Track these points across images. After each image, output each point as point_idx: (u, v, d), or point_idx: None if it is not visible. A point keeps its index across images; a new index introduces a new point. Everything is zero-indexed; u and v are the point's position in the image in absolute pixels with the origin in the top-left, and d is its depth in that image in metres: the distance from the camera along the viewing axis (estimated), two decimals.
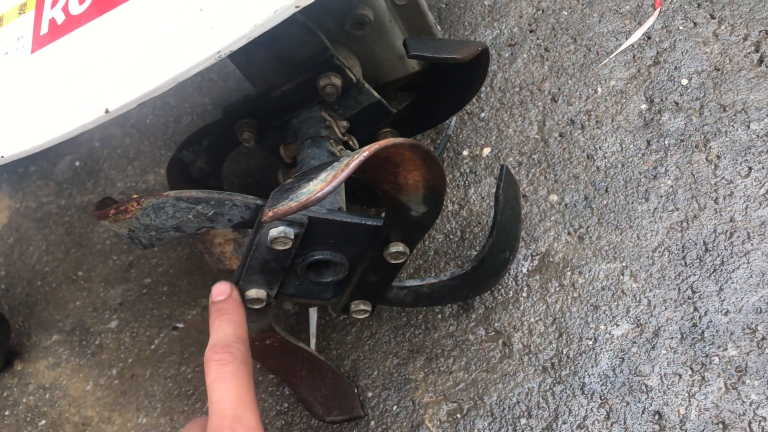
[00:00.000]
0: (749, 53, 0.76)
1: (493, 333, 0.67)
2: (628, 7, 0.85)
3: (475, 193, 0.76)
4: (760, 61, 0.75)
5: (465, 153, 0.79)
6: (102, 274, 0.84)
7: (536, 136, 0.78)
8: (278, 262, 0.53)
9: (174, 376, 0.74)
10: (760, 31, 0.77)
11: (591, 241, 0.70)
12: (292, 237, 0.50)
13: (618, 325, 0.64)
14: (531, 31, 0.87)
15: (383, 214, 0.52)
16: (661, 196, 0.70)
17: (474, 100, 0.81)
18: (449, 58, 0.52)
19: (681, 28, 0.81)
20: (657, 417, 0.60)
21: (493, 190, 0.75)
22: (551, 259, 0.70)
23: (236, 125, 0.63)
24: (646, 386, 0.61)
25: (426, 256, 0.73)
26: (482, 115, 0.81)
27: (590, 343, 0.64)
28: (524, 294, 0.68)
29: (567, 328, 0.65)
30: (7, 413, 0.77)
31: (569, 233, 0.71)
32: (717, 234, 0.66)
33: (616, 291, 0.66)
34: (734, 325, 0.61)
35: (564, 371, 0.63)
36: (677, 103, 0.75)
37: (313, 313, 0.72)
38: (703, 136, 0.72)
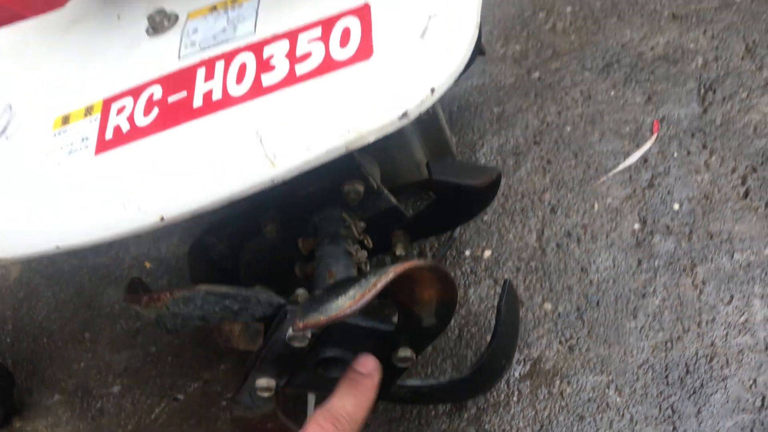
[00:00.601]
0: (736, 185, 0.82)
1: None
2: (627, 129, 0.91)
3: (475, 294, 0.80)
4: (746, 194, 0.81)
5: (467, 253, 0.84)
6: (108, 337, 0.87)
7: (535, 244, 0.83)
8: (292, 357, 0.56)
9: None
10: (746, 166, 0.84)
11: (581, 352, 0.74)
12: (310, 336, 0.54)
13: None
14: (536, 143, 0.93)
15: (395, 318, 0.56)
16: (649, 315, 0.75)
17: None
18: (469, 185, 0.57)
19: (675, 154, 0.87)
20: None
21: (492, 292, 0.80)
22: (542, 366, 0.74)
23: (260, 218, 0.67)
24: None
25: (424, 352, 0.77)
26: (485, 218, 0.86)
27: None
28: (515, 398, 0.72)
29: None
30: None
31: (560, 342, 0.75)
32: (698, 357, 0.71)
33: (602, 403, 0.70)
34: None
35: None
36: (668, 227, 0.81)
37: (311, 398, 0.75)
38: (690, 261, 0.77)
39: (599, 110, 0.94)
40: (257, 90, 0.45)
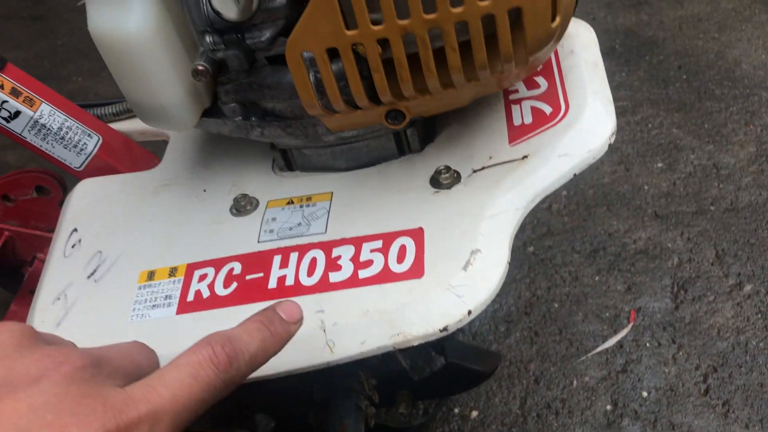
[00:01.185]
0: (698, 382, 0.93)
1: None
2: (607, 314, 1.03)
3: None
4: (706, 391, 0.92)
5: (456, 411, 0.93)
6: None
7: (518, 411, 0.92)
8: None
9: None
10: (709, 365, 0.95)
11: None
12: None
13: None
14: (526, 314, 1.04)
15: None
16: None
17: None
18: (478, 371, 0.67)
19: (648, 345, 0.98)
20: None
21: None
22: None
23: None
24: None
25: None
26: None
27: None
28: None
29: None
30: None
31: None
32: None
33: None
34: None
35: None
36: (636, 412, 0.91)
37: None
38: None
39: (584, 292, 1.06)
40: (325, 285, 0.55)
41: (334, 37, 0.48)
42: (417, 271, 0.53)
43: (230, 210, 0.63)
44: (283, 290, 0.56)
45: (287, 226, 0.60)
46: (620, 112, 1.27)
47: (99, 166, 0.71)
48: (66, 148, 0.70)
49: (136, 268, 0.62)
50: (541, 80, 0.63)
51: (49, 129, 0.69)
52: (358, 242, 0.57)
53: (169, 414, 0.31)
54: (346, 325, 0.53)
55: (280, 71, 0.57)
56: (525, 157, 0.57)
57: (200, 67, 0.54)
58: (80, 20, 1.86)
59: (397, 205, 0.59)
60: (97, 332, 0.58)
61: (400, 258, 0.55)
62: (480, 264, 0.52)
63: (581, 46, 0.64)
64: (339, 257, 0.57)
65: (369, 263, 0.55)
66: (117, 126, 0.76)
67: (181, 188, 0.67)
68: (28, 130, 0.68)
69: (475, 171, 0.59)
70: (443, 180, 0.59)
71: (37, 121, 0.68)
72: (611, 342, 0.99)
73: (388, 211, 0.59)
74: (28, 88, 0.68)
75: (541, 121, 0.60)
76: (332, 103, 0.53)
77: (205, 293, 0.58)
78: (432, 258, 0.54)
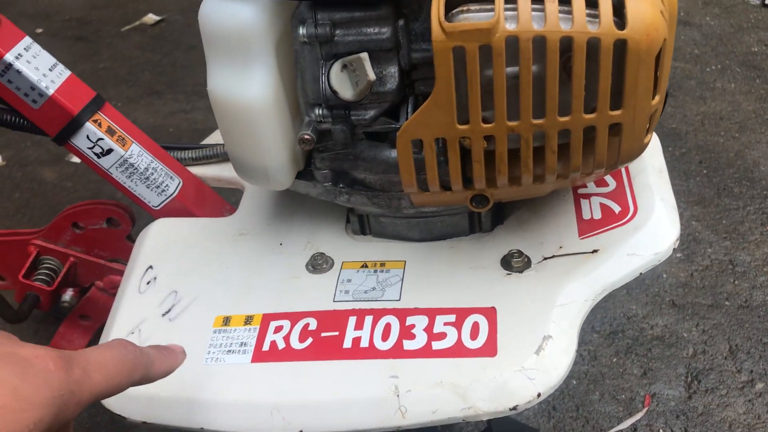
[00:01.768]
0: None
1: None
2: (623, 396, 1.06)
3: None
4: None
5: None
6: None
7: None
8: None
9: None
10: None
11: None
12: None
13: None
14: None
15: None
16: None
17: None
18: None
19: (661, 431, 1.01)
20: None
21: None
22: None
23: None
24: None
25: None
26: None
27: None
28: None
29: None
30: None
31: None
32: None
33: None
34: None
35: None
36: None
37: None
38: None
39: (602, 372, 1.09)
40: (399, 351, 0.58)
41: (446, 129, 0.52)
42: (490, 349, 0.57)
43: (306, 266, 0.67)
44: (358, 351, 0.59)
45: (362, 288, 0.64)
46: None
47: (175, 207, 0.75)
48: (149, 188, 0.73)
49: (212, 312, 0.65)
50: (609, 179, 0.68)
51: (136, 168, 0.72)
52: (431, 313, 0.61)
53: (96, 361, 0.40)
54: (419, 394, 0.56)
55: (376, 147, 0.61)
56: (595, 251, 0.62)
57: (307, 137, 0.58)
58: (124, 46, 1.91)
59: (469, 281, 0.63)
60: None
61: (474, 335, 0.58)
62: (551, 350, 0.56)
63: (648, 152, 0.68)
64: (413, 326, 0.60)
65: (443, 336, 0.59)
66: (194, 170, 0.80)
67: (258, 239, 0.71)
68: (116, 167, 0.72)
69: (545, 258, 0.63)
70: (515, 263, 0.62)
71: (126, 160, 0.72)
72: (626, 424, 1.02)
73: (460, 286, 0.62)
74: (121, 128, 0.72)
75: (610, 218, 0.64)
76: (429, 185, 0.57)
77: (281, 344, 0.61)
78: (505, 338, 0.57)
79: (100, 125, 0.70)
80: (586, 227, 0.64)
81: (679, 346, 1.14)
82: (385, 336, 0.60)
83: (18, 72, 0.66)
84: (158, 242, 0.72)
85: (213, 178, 0.81)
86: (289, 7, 0.56)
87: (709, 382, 1.08)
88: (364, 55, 0.52)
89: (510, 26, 0.47)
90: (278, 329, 0.62)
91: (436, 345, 0.58)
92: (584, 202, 0.66)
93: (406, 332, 0.60)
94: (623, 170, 0.68)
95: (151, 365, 0.47)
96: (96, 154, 0.71)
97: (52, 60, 0.69)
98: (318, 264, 0.66)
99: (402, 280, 0.64)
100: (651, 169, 0.67)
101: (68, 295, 0.88)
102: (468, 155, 0.55)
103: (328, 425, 0.57)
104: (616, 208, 0.65)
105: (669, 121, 1.64)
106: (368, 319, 0.61)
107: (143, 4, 2.19)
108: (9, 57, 0.66)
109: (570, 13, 0.47)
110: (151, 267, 0.70)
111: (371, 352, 0.59)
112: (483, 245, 0.66)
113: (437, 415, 0.55)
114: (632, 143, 0.52)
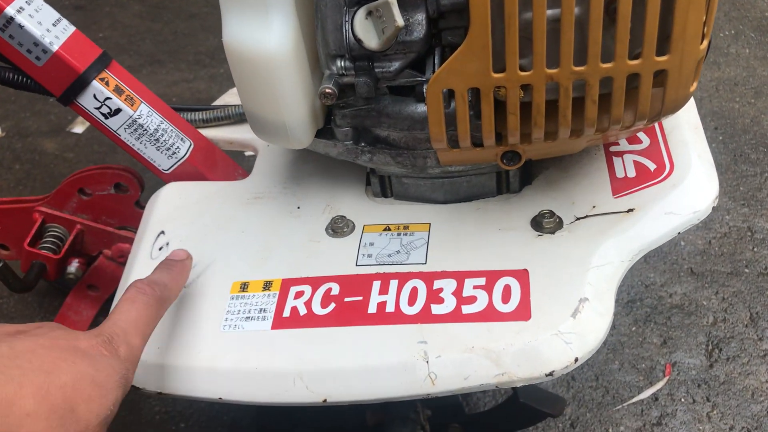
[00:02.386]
0: None
1: None
2: (643, 365, 1.04)
3: None
4: None
5: None
6: None
7: None
8: None
9: None
10: (743, 427, 0.96)
11: None
12: None
13: None
14: None
15: None
16: None
17: None
18: (548, 414, 0.68)
19: (683, 400, 0.99)
20: None
21: None
22: None
23: None
24: None
25: None
26: None
27: None
28: None
29: None
30: None
31: None
32: None
33: None
34: None
35: None
36: None
37: None
38: None
39: (621, 341, 1.07)
40: (427, 316, 0.55)
41: (480, 78, 0.49)
42: (524, 313, 0.54)
43: (326, 230, 0.64)
44: (384, 316, 0.56)
45: (386, 252, 0.61)
46: None
47: (186, 171, 0.72)
48: (159, 150, 0.70)
49: (229, 278, 0.62)
50: (642, 136, 0.64)
51: (145, 129, 0.69)
52: (460, 277, 0.58)
53: (130, 327, 0.46)
54: (450, 360, 0.53)
55: (401, 102, 0.58)
56: (630, 210, 0.59)
57: (328, 90, 0.55)
58: (123, 15, 1.87)
59: (499, 243, 0.60)
60: (187, 339, 0.58)
61: (505, 298, 0.55)
62: (588, 313, 0.53)
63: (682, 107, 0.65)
64: (441, 290, 0.57)
65: (473, 299, 0.56)
66: (205, 132, 0.77)
67: (274, 202, 0.68)
68: (125, 129, 0.69)
69: (578, 218, 0.60)
70: (546, 224, 0.59)
71: (135, 121, 0.69)
72: (647, 393, 1.00)
73: (489, 248, 0.60)
74: (129, 87, 0.69)
75: (645, 176, 0.61)
76: (459, 140, 0.54)
77: (302, 310, 0.58)
78: (538, 301, 0.55)
79: (107, 84, 0.67)
80: (620, 186, 0.61)
81: (699, 314, 1.11)
82: (412, 300, 0.57)
83: (20, 26, 0.63)
84: (170, 206, 0.69)
85: (225, 140, 0.78)
86: None
87: (731, 351, 1.06)
88: (393, 0, 0.49)
89: None
90: (299, 294, 0.59)
91: (466, 309, 0.55)
92: (617, 160, 0.63)
93: (434, 296, 0.57)
94: (657, 126, 0.65)
95: (169, 291, 0.52)
96: (103, 114, 0.68)
97: (56, 14, 0.66)
98: (338, 227, 0.63)
99: (427, 242, 0.61)
100: (686, 125, 0.64)
101: (74, 266, 0.85)
102: (501, 108, 0.52)
103: (354, 393, 0.54)
104: (651, 166, 0.62)
105: None
106: (393, 284, 0.58)
107: None
108: (10, 10, 0.62)
109: None
110: (162, 232, 0.67)
111: (398, 317, 0.56)
112: (511, 206, 0.63)
113: (469, 381, 0.53)
114: (678, 91, 0.49)
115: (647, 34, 0.46)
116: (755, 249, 1.21)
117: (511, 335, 0.53)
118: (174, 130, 0.70)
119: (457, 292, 0.57)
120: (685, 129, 0.64)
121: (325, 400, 0.54)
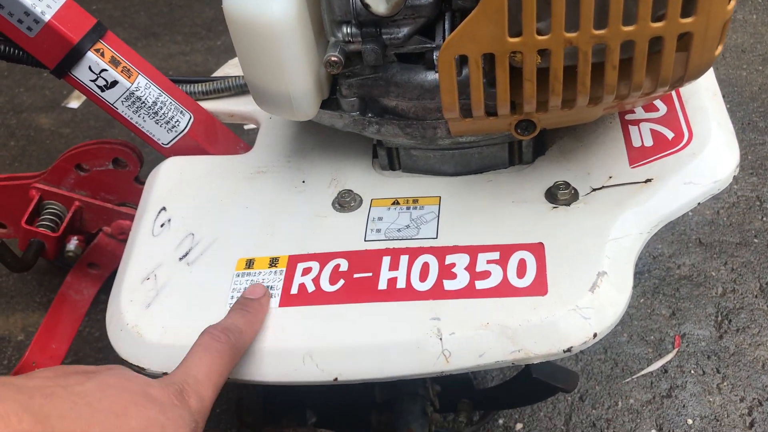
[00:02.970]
0: (743, 414, 0.93)
1: None
2: (652, 337, 1.03)
3: None
4: (751, 424, 0.92)
5: (500, 422, 0.92)
6: None
7: (562, 427, 0.92)
8: None
9: None
10: (754, 398, 0.95)
11: None
12: None
13: None
14: None
15: None
16: None
17: None
18: (561, 389, 0.66)
19: (693, 372, 0.98)
20: None
21: None
22: None
23: None
24: None
25: None
26: None
27: None
28: None
29: None
30: None
31: None
32: None
33: None
34: None
35: None
36: None
37: None
38: None
39: (629, 314, 1.06)
40: (439, 292, 0.54)
41: (495, 43, 0.47)
42: (540, 287, 0.52)
43: (333, 204, 0.62)
44: (394, 292, 0.55)
45: (395, 227, 0.59)
46: None
47: (187, 145, 0.70)
48: (158, 124, 0.68)
49: (233, 255, 0.60)
50: (659, 104, 0.62)
51: (143, 102, 0.67)
52: (473, 251, 0.56)
53: (202, 377, 0.45)
54: (464, 336, 0.52)
55: (410, 70, 0.55)
56: (648, 180, 0.57)
57: (334, 58, 0.53)
58: None
59: (512, 216, 0.58)
60: (192, 318, 0.57)
61: (521, 272, 0.54)
62: (606, 287, 0.52)
63: None
64: (453, 265, 0.55)
65: (486, 274, 0.54)
66: (205, 105, 0.74)
67: (278, 177, 0.66)
68: (122, 102, 0.67)
69: (594, 189, 0.58)
70: (561, 196, 0.58)
71: (132, 93, 0.66)
72: (656, 366, 0.99)
73: (502, 221, 0.58)
74: (126, 58, 0.66)
75: (663, 145, 0.59)
76: (473, 108, 0.52)
77: (310, 287, 0.56)
78: (555, 276, 0.53)
79: (102, 55, 0.64)
80: (637, 155, 0.59)
81: (708, 285, 1.10)
82: (423, 276, 0.55)
83: None
84: (171, 182, 0.67)
85: (225, 113, 0.76)
86: None
87: (740, 322, 1.04)
88: None
89: None
90: (306, 271, 0.58)
91: (480, 284, 0.54)
92: (633, 129, 0.61)
93: (446, 271, 0.55)
94: (674, 93, 0.63)
95: (244, 336, 0.51)
96: (99, 87, 0.65)
97: None
98: (345, 202, 0.61)
99: (438, 216, 0.59)
100: (705, 92, 0.62)
101: (73, 244, 0.83)
102: (516, 75, 0.49)
103: (366, 371, 0.53)
104: (669, 134, 0.60)
105: None
106: (404, 259, 0.57)
107: None
108: None
109: None
110: (164, 208, 0.65)
111: (409, 293, 0.54)
112: (524, 178, 0.61)
113: (484, 358, 0.51)
114: (702, 55, 0.47)
115: None
116: (764, 219, 1.19)
117: (527, 311, 0.51)
118: (173, 102, 0.68)
119: (470, 267, 0.55)
120: (704, 96, 0.62)
121: (336, 379, 0.53)
